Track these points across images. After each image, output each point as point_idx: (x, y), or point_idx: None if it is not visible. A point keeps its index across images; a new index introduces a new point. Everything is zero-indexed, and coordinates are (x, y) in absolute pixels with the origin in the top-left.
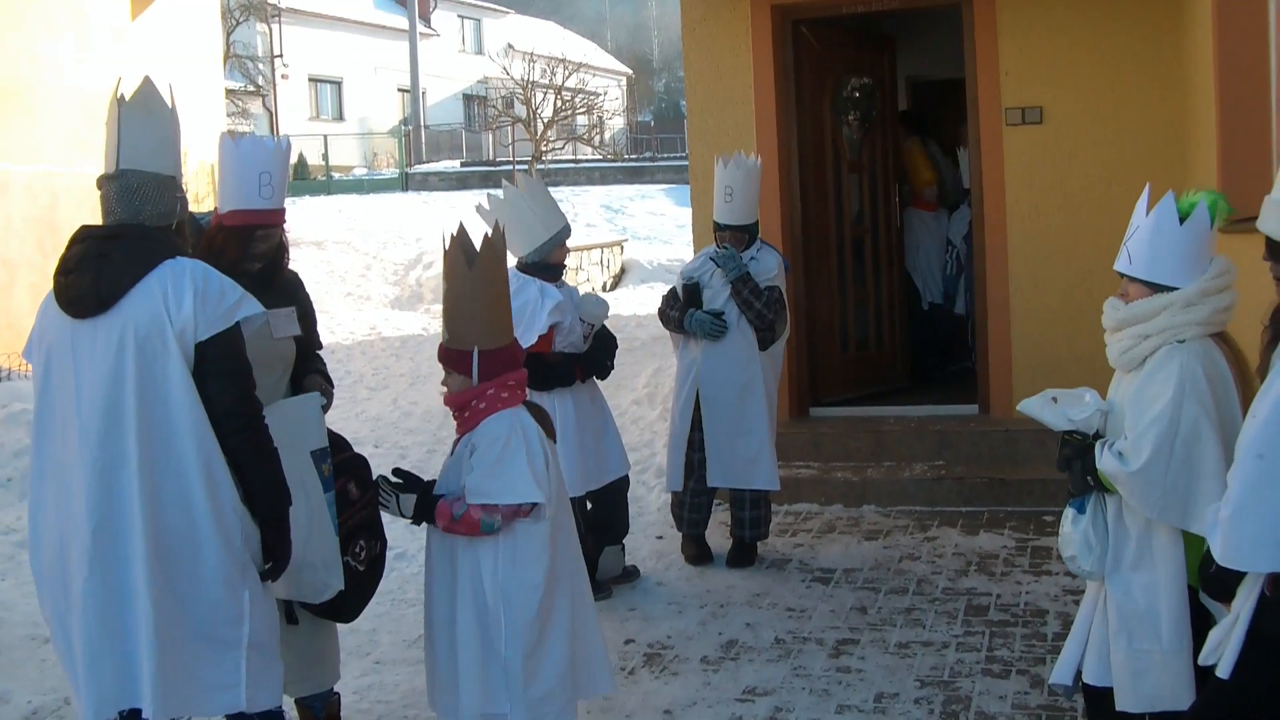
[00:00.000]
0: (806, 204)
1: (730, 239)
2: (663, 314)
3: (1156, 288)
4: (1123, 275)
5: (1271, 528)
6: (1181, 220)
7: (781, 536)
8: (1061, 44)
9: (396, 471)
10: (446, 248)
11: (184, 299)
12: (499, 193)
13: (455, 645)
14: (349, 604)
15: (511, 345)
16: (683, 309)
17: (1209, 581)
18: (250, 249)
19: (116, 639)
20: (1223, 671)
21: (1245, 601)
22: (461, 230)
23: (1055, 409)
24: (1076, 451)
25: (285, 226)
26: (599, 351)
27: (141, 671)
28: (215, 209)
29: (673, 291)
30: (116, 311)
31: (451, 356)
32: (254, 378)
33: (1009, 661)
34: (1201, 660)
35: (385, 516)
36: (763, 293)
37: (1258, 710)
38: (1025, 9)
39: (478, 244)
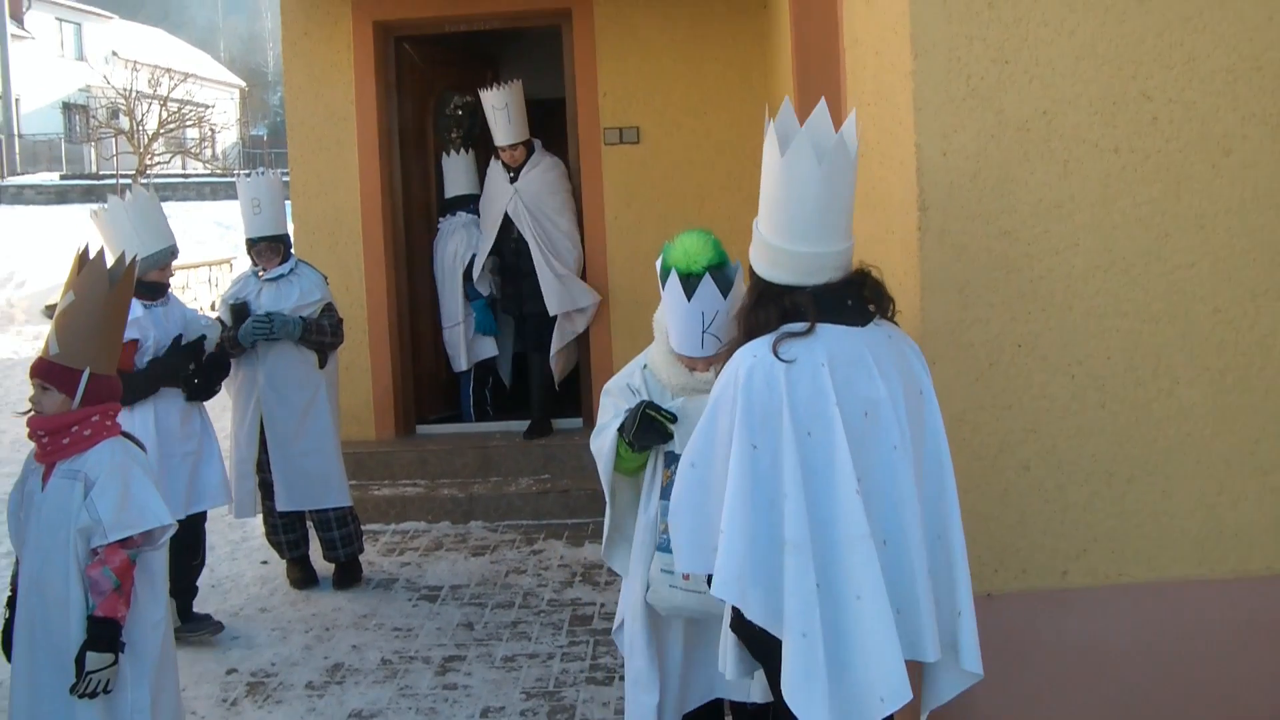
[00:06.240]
0: (410, 222)
1: (265, 251)
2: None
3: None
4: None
5: (707, 532)
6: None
7: (389, 556)
8: (658, 68)
9: None
10: (84, 255)
11: None
12: (117, 199)
13: (71, 708)
14: None
15: (115, 377)
16: (235, 328)
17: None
18: None
19: None
20: (729, 674)
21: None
22: (101, 250)
23: None
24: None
25: None
26: (185, 370)
27: None
28: None
29: (219, 320)
30: None
31: (57, 372)
32: None
33: (612, 669)
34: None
35: None
36: (325, 327)
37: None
38: (622, 33)
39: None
